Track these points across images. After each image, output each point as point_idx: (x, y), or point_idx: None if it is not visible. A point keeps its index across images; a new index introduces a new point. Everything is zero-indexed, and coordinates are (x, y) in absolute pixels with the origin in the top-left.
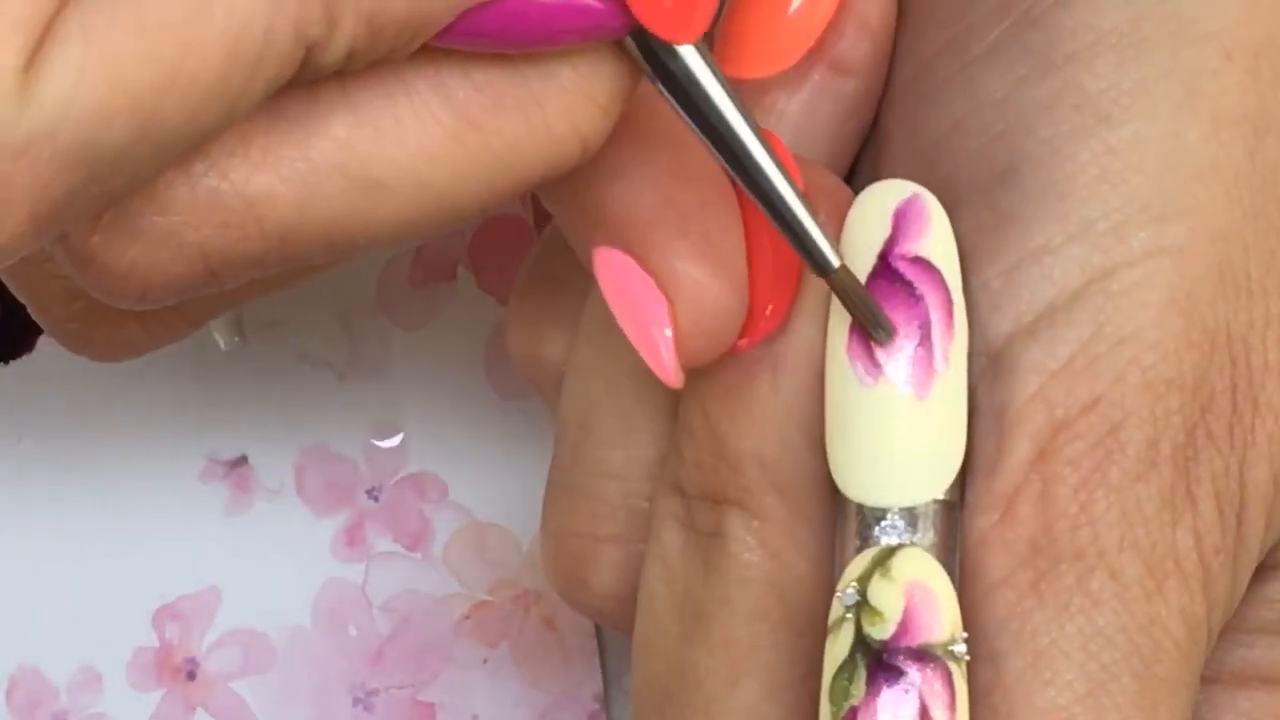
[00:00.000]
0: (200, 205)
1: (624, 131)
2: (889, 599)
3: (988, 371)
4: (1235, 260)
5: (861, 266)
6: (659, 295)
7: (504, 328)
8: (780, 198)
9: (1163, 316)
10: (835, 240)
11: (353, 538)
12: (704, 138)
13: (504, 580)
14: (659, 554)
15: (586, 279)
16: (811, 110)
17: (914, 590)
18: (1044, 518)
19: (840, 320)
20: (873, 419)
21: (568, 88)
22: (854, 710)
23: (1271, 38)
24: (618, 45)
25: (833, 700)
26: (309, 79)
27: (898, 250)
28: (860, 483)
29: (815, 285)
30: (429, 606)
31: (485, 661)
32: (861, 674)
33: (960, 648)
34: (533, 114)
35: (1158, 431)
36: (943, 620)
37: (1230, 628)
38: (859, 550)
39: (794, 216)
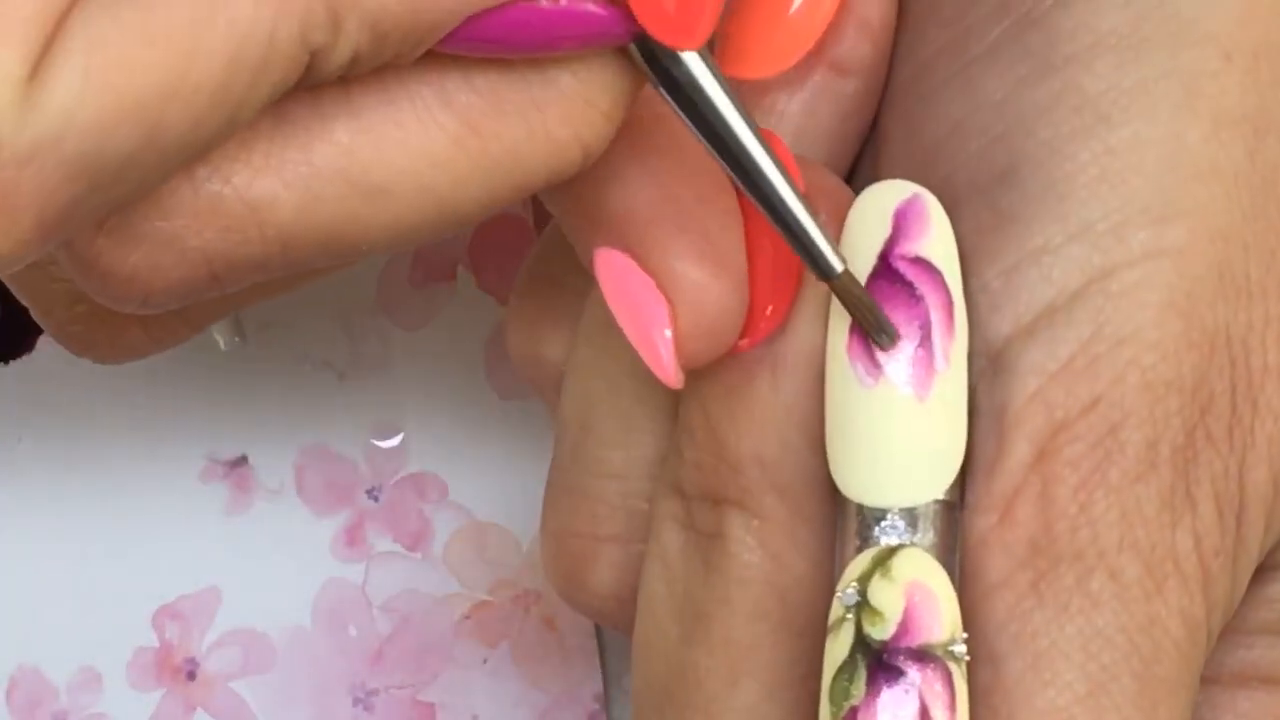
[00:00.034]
0: (203, 210)
1: (625, 133)
2: (889, 599)
3: (987, 372)
4: (1235, 261)
5: (862, 267)
6: (659, 296)
7: (504, 328)
8: (783, 203)
9: (1162, 317)
10: (836, 243)
11: (353, 538)
12: (707, 143)
13: (504, 580)
14: (659, 554)
15: (586, 279)
16: (812, 111)
17: (914, 590)
18: (1043, 518)
19: (840, 320)
20: (873, 419)
21: (569, 94)
22: (854, 710)
23: (1271, 38)
24: (620, 51)
25: (833, 700)
26: (312, 84)
27: (898, 251)
28: (860, 483)
29: (815, 286)
30: (429, 606)
31: (485, 661)
32: (862, 674)
33: (960, 648)
34: (534, 119)
35: (1157, 432)
36: (943, 621)
37: (1230, 628)
38: (859, 550)
39: (797, 221)
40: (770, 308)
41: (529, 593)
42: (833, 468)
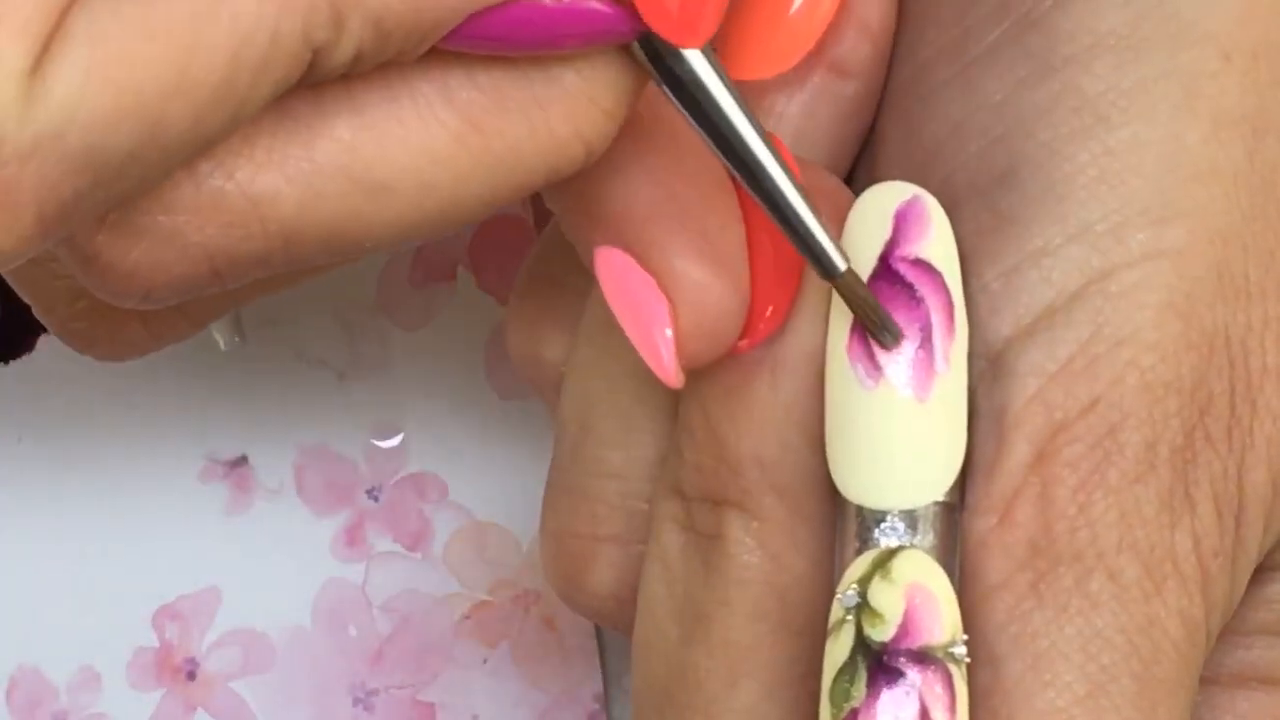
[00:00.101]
0: (205, 205)
1: (626, 132)
2: (889, 601)
3: (987, 373)
4: (1234, 262)
5: (862, 268)
6: (660, 295)
7: (504, 328)
8: (787, 202)
9: (1161, 318)
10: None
11: (353, 538)
12: (710, 142)
13: (504, 580)
14: (659, 555)
15: (586, 279)
16: (811, 112)
17: (914, 592)
18: (1043, 519)
19: (841, 321)
20: (873, 420)
21: (571, 91)
22: (854, 712)
23: (1270, 39)
24: (623, 49)
25: (833, 702)
26: (315, 81)
27: (898, 252)
28: (860, 484)
29: (816, 286)
30: (429, 606)
31: (485, 661)
32: (862, 676)
33: (960, 650)
34: (536, 117)
35: (1156, 433)
36: (943, 622)
37: (1229, 629)
38: (859, 552)
39: (800, 221)
40: (770, 308)
41: (529, 593)
42: (832, 469)
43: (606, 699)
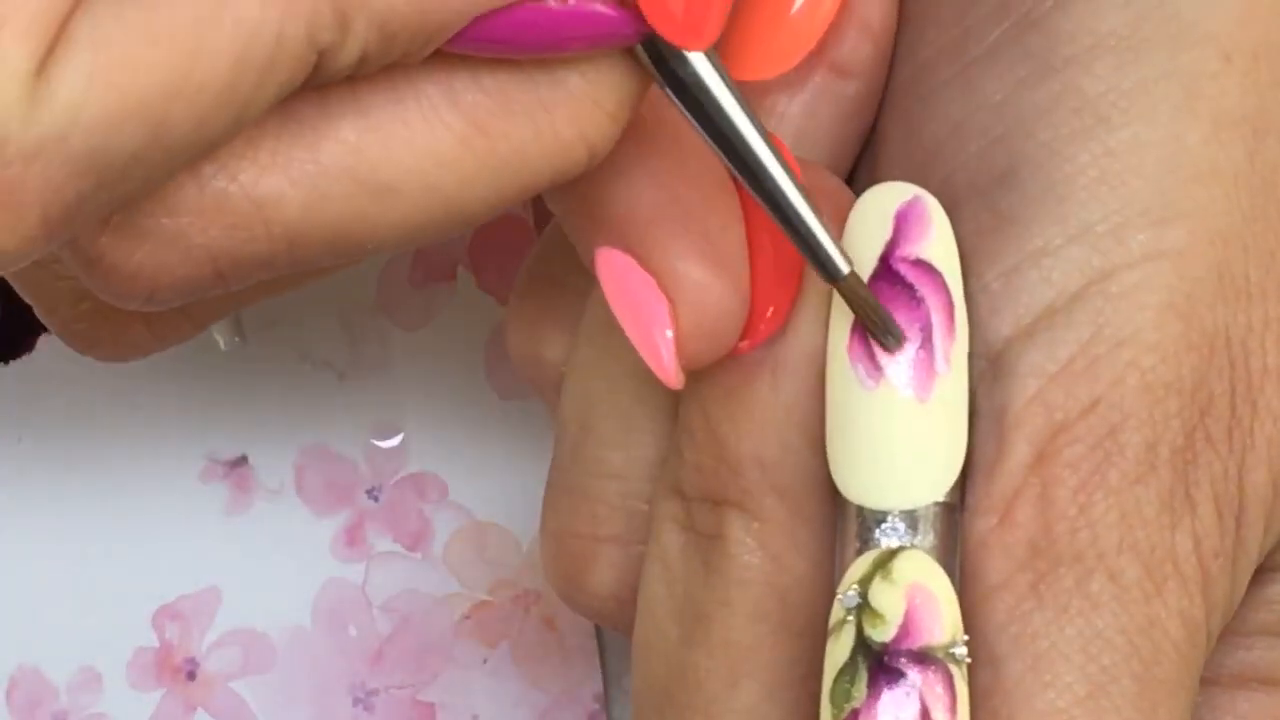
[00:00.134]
0: (208, 207)
1: (627, 133)
2: (890, 601)
3: (987, 374)
4: (1235, 263)
5: (863, 268)
6: (660, 296)
7: (504, 328)
8: (790, 205)
9: (1162, 319)
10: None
11: (353, 538)
12: (713, 145)
13: (504, 580)
14: (659, 555)
15: (586, 279)
16: (812, 112)
17: (915, 593)
18: (1043, 520)
19: (841, 322)
20: (873, 421)
21: (576, 94)
22: (855, 712)
23: (1270, 39)
24: (627, 52)
25: (834, 702)
26: (320, 83)
27: (899, 252)
28: (861, 485)
29: (816, 287)
30: (429, 606)
31: (485, 661)
32: (863, 676)
33: (961, 650)
34: (540, 120)
35: (1156, 434)
36: (943, 623)
37: (1229, 630)
38: (859, 552)
39: (803, 223)
40: (771, 309)
41: (529, 593)
42: (833, 469)
43: (606, 699)
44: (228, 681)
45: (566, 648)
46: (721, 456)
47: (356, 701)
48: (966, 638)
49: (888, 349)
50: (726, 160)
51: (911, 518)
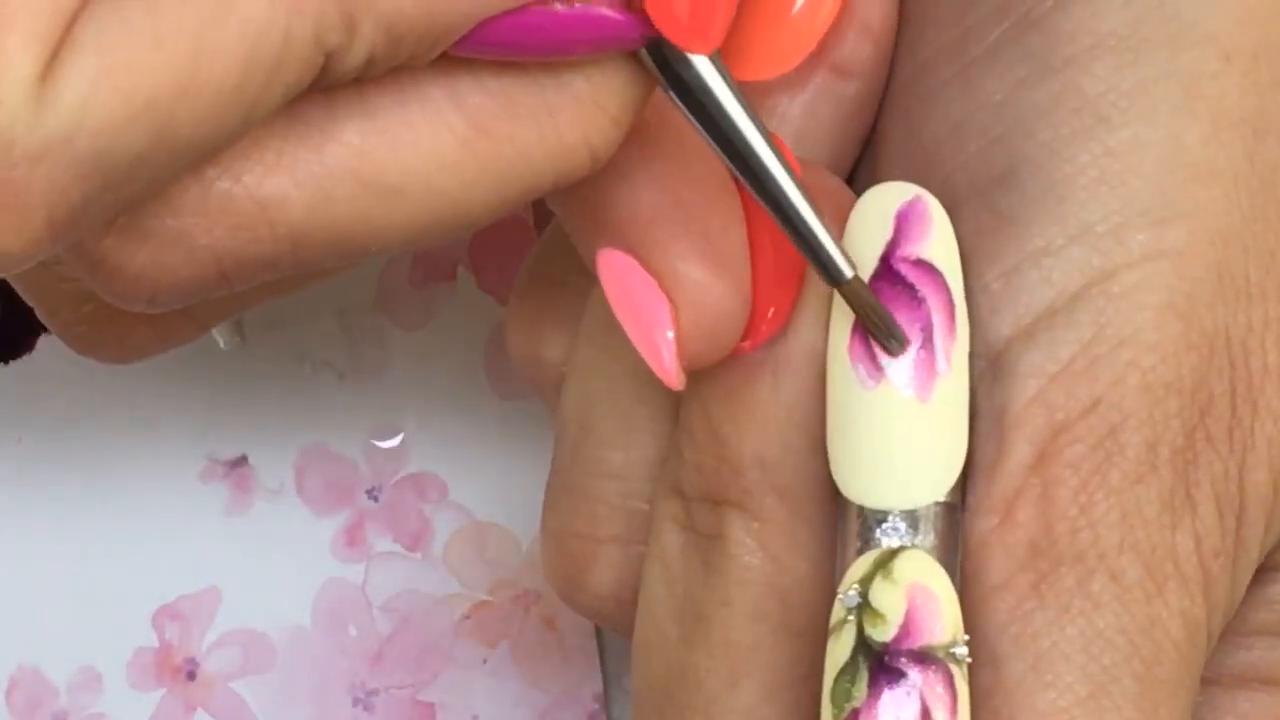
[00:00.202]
0: (213, 208)
1: (629, 134)
2: (891, 601)
3: (988, 374)
4: (1234, 263)
5: (863, 269)
6: (661, 296)
7: (504, 328)
8: (794, 209)
9: (1162, 319)
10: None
11: (353, 538)
12: (717, 148)
13: (504, 580)
14: (659, 555)
15: (587, 279)
16: (813, 113)
17: (915, 592)
18: (1044, 520)
19: (842, 322)
20: (874, 421)
21: (580, 98)
22: (855, 712)
23: (1270, 40)
24: (631, 56)
25: (834, 702)
26: (327, 85)
27: (899, 253)
28: (861, 485)
29: (816, 287)
30: (429, 606)
31: (485, 661)
32: (863, 676)
33: (962, 650)
34: (544, 123)
35: (1157, 434)
36: (944, 622)
37: (1230, 630)
38: (860, 552)
39: (807, 227)
40: (772, 310)
41: (529, 593)
42: (834, 469)
43: (606, 699)
44: (228, 681)
45: (566, 648)
46: (722, 456)
47: (356, 701)
48: (967, 637)
49: (891, 353)
50: (730, 164)
51: (912, 517)
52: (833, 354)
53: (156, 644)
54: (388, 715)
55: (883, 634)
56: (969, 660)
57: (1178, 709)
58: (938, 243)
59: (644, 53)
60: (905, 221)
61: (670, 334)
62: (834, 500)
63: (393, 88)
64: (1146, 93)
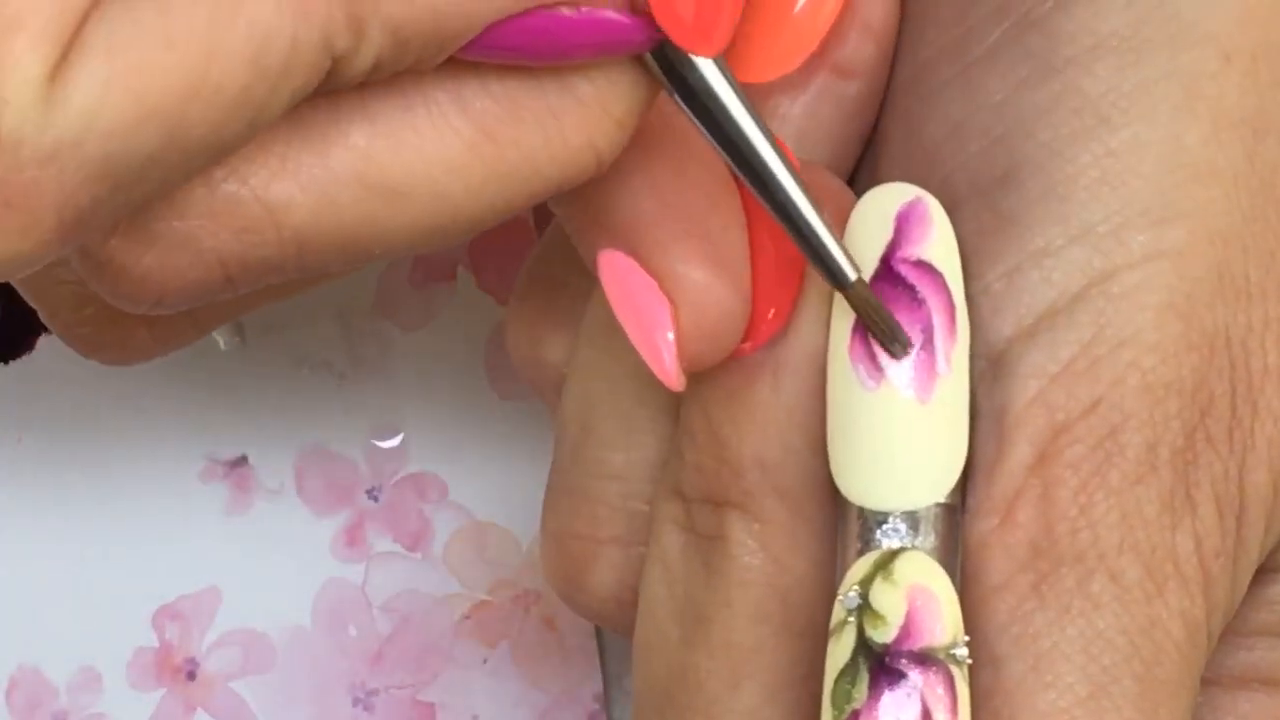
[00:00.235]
0: (219, 211)
1: (632, 137)
2: (891, 602)
3: (988, 374)
4: (1235, 263)
5: (864, 270)
6: (662, 298)
7: (504, 328)
8: (798, 211)
9: (1162, 319)
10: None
11: (353, 538)
12: (722, 152)
13: (504, 580)
14: (659, 556)
15: (587, 280)
16: (814, 113)
17: (916, 594)
18: (1044, 520)
19: (842, 323)
20: (874, 422)
21: (585, 101)
22: (856, 713)
23: (1270, 40)
24: (636, 59)
25: (835, 704)
26: (333, 89)
27: (900, 254)
28: (862, 486)
29: (817, 288)
30: (429, 606)
31: (485, 661)
32: (864, 677)
33: (962, 651)
34: (549, 127)
35: (1157, 435)
36: (944, 623)
37: (1230, 630)
38: (860, 553)
39: (811, 229)
40: (772, 311)
41: (529, 593)
42: (834, 470)
43: (606, 699)
44: (228, 681)
45: (566, 648)
46: (723, 458)
47: (356, 701)
48: (967, 638)
49: (894, 356)
50: (735, 167)
51: (912, 519)
52: (833, 355)
53: (156, 644)
54: (388, 715)
55: (883, 635)
56: (969, 661)
57: (1178, 709)
58: (938, 244)
59: (649, 56)
60: (905, 222)
61: (671, 335)
62: (834, 501)
63: (398, 92)
64: (1147, 93)
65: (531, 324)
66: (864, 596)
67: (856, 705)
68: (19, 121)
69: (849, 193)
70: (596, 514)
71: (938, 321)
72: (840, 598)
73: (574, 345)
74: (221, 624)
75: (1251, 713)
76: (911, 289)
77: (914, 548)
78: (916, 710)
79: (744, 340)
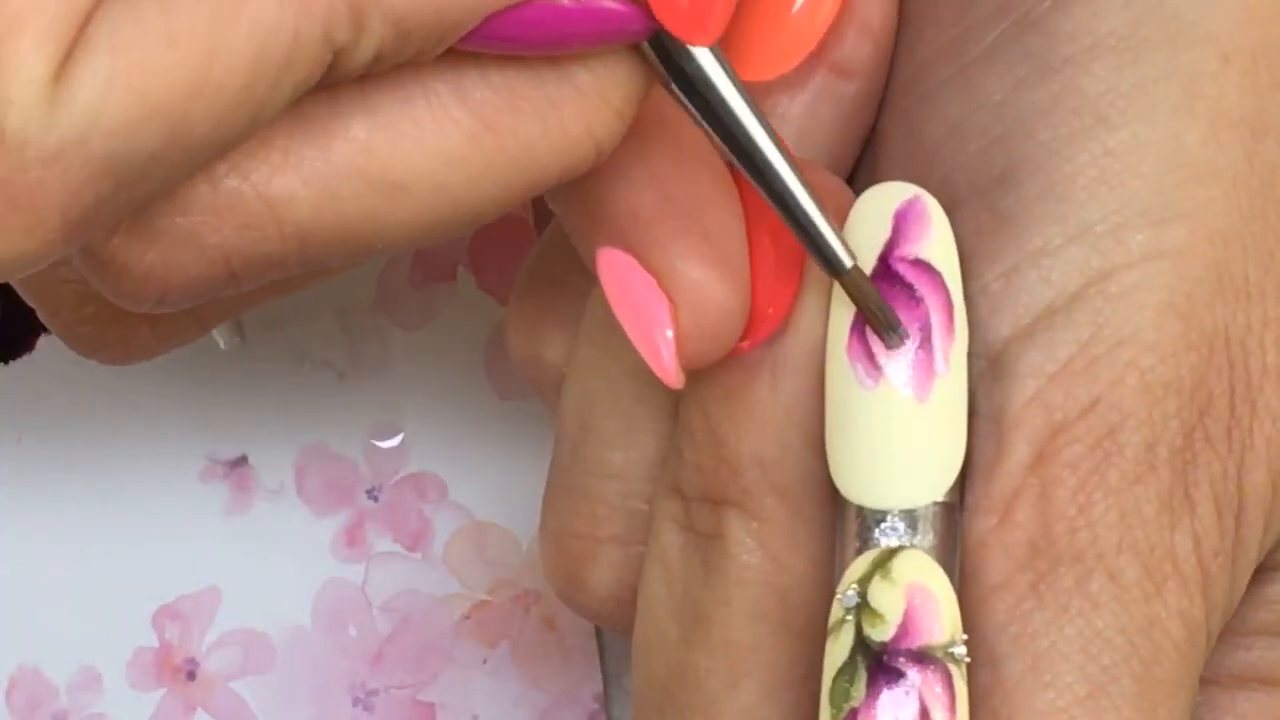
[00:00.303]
0: (221, 206)
1: (629, 133)
2: (889, 601)
3: (987, 374)
4: (1234, 263)
5: (862, 267)
6: (661, 296)
7: (504, 328)
8: (794, 199)
9: (1161, 319)
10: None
11: (353, 538)
12: (718, 140)
13: (504, 580)
14: (658, 555)
15: (587, 279)
16: (813, 113)
17: (914, 592)
18: (1043, 520)
19: (841, 321)
20: (873, 421)
21: (584, 91)
22: (854, 712)
23: (1269, 40)
24: (633, 49)
25: (833, 702)
26: (333, 82)
27: (898, 252)
28: (860, 484)
29: (817, 286)
30: (429, 606)
31: (485, 661)
32: (862, 676)
33: (960, 650)
34: (548, 117)
35: (1156, 434)
36: (943, 622)
37: (1229, 630)
38: (859, 552)
39: (807, 217)
40: (771, 309)
41: (529, 593)
42: (832, 469)
43: (606, 699)
44: (228, 681)
45: (566, 648)
46: (721, 456)
47: (356, 701)
48: (966, 637)
49: (890, 345)
50: (731, 155)
51: (911, 517)
52: (831, 353)
53: (156, 644)
54: (388, 715)
55: (881, 634)
56: (967, 660)
57: (1177, 709)
58: (936, 242)
59: (646, 45)
60: (904, 221)
61: (670, 333)
62: (833, 500)
63: (398, 84)
64: (1146, 93)
65: (531, 323)
66: (862, 595)
67: (855, 704)
68: (23, 121)
69: (848, 191)
70: (596, 513)
71: (936, 320)
72: (839, 596)
73: (573, 344)
74: (221, 624)
75: (1250, 712)
76: (910, 287)
77: (912, 546)
78: (914, 709)
79: (743, 338)
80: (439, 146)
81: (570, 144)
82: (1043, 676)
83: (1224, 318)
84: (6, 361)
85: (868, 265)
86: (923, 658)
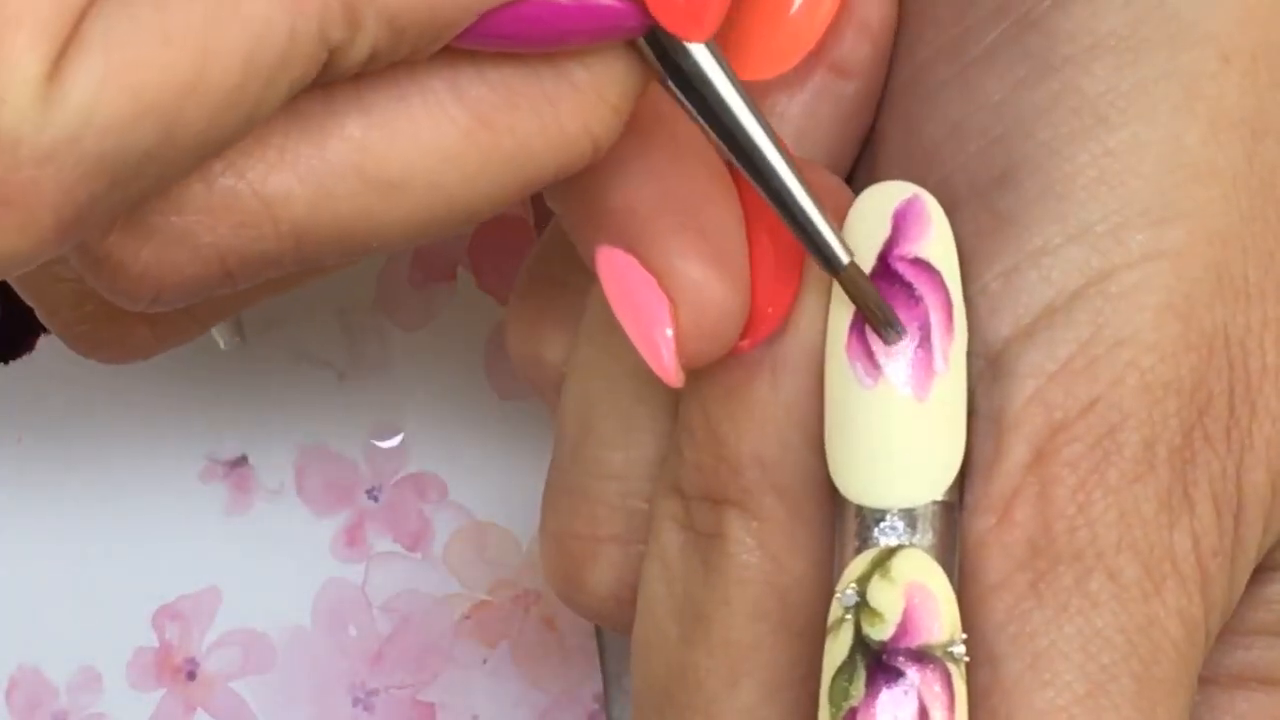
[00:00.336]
0: (216, 205)
1: (628, 131)
2: (888, 600)
3: (986, 374)
4: (1233, 263)
5: (861, 267)
6: (660, 295)
7: (504, 328)
8: (791, 196)
9: (1161, 319)
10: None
11: (353, 538)
12: (714, 136)
13: (504, 580)
14: (658, 555)
15: (587, 279)
16: (812, 112)
17: (913, 591)
18: (1042, 519)
19: (840, 321)
20: (872, 420)
21: (580, 87)
22: (853, 711)
23: (1269, 40)
24: (630, 45)
25: (832, 701)
26: (329, 80)
27: (897, 251)
28: (859, 484)
29: (816, 286)
30: (429, 606)
31: (485, 661)
32: (861, 675)
33: (959, 649)
34: (545, 113)
35: (1155, 434)
36: (942, 621)
37: (1228, 629)
38: (858, 551)
39: (804, 213)
40: (771, 308)
41: (529, 593)
42: (832, 468)
43: (606, 699)
44: (228, 681)
45: (566, 648)
46: (721, 455)
47: (356, 701)
48: (965, 636)
49: (888, 341)
50: (728, 152)
51: (910, 516)
52: (830, 352)
53: (156, 644)
54: (388, 715)
55: (880, 633)
56: (967, 659)
57: (1176, 708)
58: (936, 242)
59: (642, 41)
60: (903, 220)
61: (669, 332)
62: (832, 499)
63: (393, 82)
64: (1146, 93)
65: (531, 323)
66: (862, 594)
67: (854, 703)
68: (17, 121)
69: (847, 190)
70: (596, 513)
71: (935, 319)
72: (838, 595)
73: (573, 344)
74: (221, 624)
75: (1249, 712)
76: (909, 286)
77: (911, 545)
78: (914, 708)
79: (742, 337)
80: (435, 144)
81: (567, 141)
82: (1042, 675)
83: (1223, 318)
84: (6, 361)
85: (867, 264)
86: (922, 657)
